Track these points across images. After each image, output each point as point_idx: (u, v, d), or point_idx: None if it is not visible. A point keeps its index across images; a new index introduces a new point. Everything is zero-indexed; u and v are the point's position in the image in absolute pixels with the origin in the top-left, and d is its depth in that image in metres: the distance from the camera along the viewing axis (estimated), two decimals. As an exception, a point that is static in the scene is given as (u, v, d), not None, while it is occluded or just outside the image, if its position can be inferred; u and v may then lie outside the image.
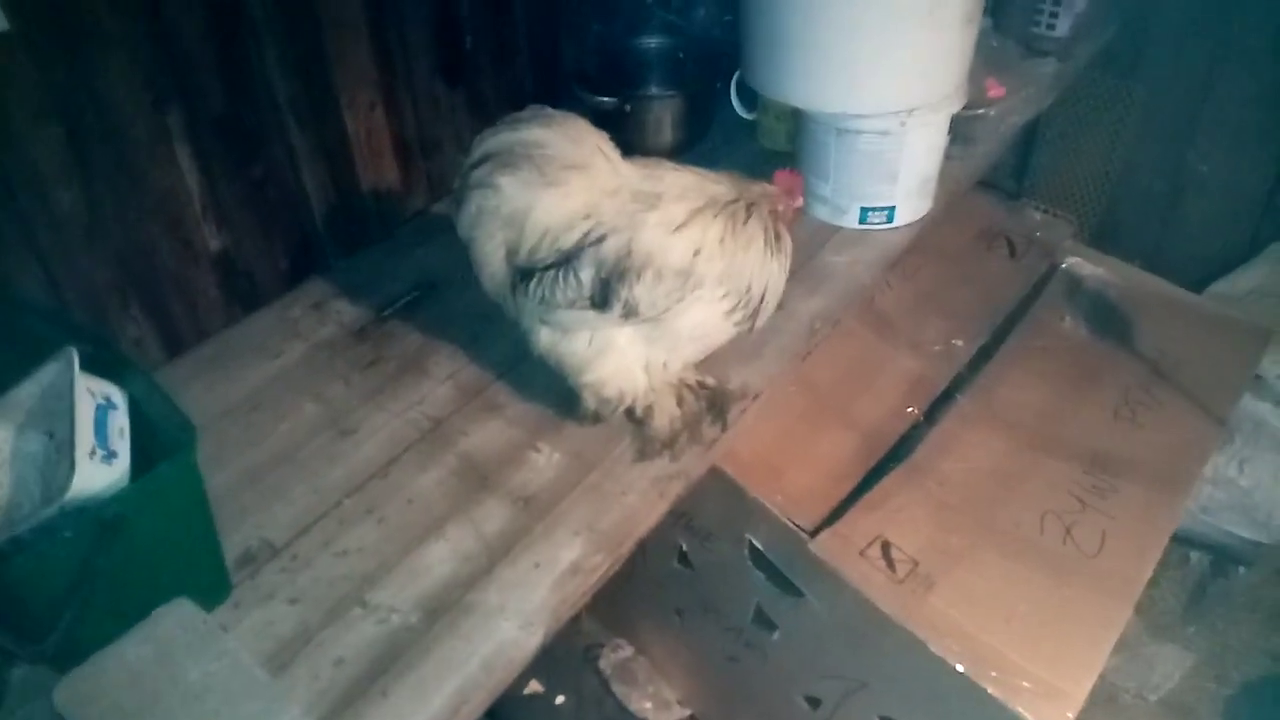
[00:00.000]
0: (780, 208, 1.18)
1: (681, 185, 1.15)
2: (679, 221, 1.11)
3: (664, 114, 1.70)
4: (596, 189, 1.14)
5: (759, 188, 1.18)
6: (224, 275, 1.42)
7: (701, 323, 1.15)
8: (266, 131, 1.40)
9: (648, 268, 1.09)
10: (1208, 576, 2.12)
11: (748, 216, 1.14)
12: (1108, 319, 1.83)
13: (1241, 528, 1.99)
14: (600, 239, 1.11)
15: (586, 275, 1.11)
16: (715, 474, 1.40)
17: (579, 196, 1.13)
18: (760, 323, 1.19)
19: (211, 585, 1.04)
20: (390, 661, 1.00)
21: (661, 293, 1.10)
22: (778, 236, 1.17)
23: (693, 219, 1.12)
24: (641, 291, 1.10)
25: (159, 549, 0.95)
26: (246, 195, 1.41)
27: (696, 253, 1.11)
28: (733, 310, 1.15)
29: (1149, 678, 1.96)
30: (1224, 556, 2.09)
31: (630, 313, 1.11)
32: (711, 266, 1.12)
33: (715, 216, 1.13)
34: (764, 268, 1.15)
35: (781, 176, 1.20)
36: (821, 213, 1.61)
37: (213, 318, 1.43)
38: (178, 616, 0.93)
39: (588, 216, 1.12)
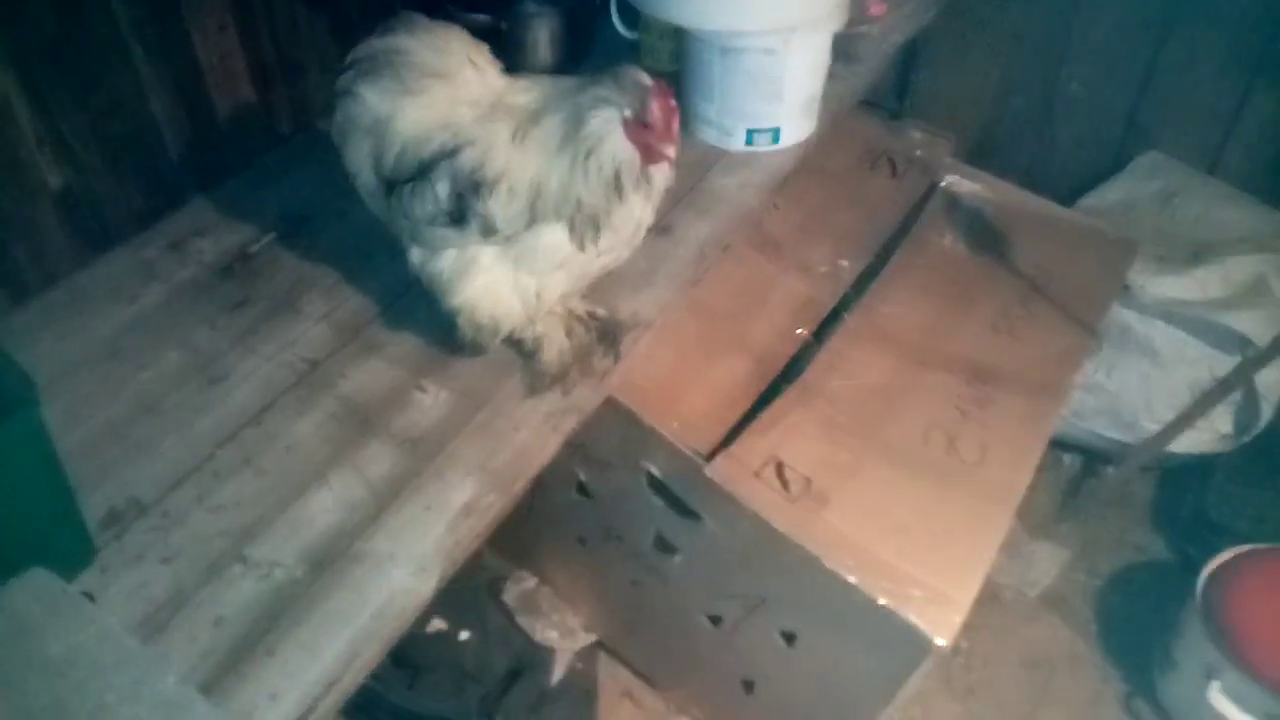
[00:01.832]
0: (628, 115, 1.04)
1: (545, 96, 1.08)
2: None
3: (541, 32, 1.63)
4: (459, 99, 1.08)
5: (626, 97, 1.04)
6: (69, 214, 1.31)
7: (557, 245, 1.09)
8: (107, 57, 1.28)
9: (501, 181, 1.05)
10: (1080, 477, 2.24)
11: (579, 123, 1.03)
12: (985, 236, 1.87)
13: (1110, 430, 2.10)
14: (455, 150, 1.05)
15: (442, 189, 1.06)
16: (610, 404, 1.38)
17: (439, 106, 1.08)
18: (592, 245, 1.09)
19: (71, 550, 0.97)
20: (276, 618, 0.96)
21: (516, 209, 1.05)
22: (576, 132, 1.04)
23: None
24: (495, 207, 1.05)
25: (6, 516, 0.87)
26: (88, 127, 1.29)
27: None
28: (571, 229, 1.08)
29: (1028, 574, 2.07)
30: (1094, 457, 2.21)
31: (488, 229, 1.07)
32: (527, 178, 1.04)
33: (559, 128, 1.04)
34: (572, 175, 1.05)
35: (656, 89, 1.04)
36: (708, 135, 1.58)
37: (60, 261, 1.32)
38: (33, 588, 0.86)
39: (446, 126, 1.07)
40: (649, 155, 1.05)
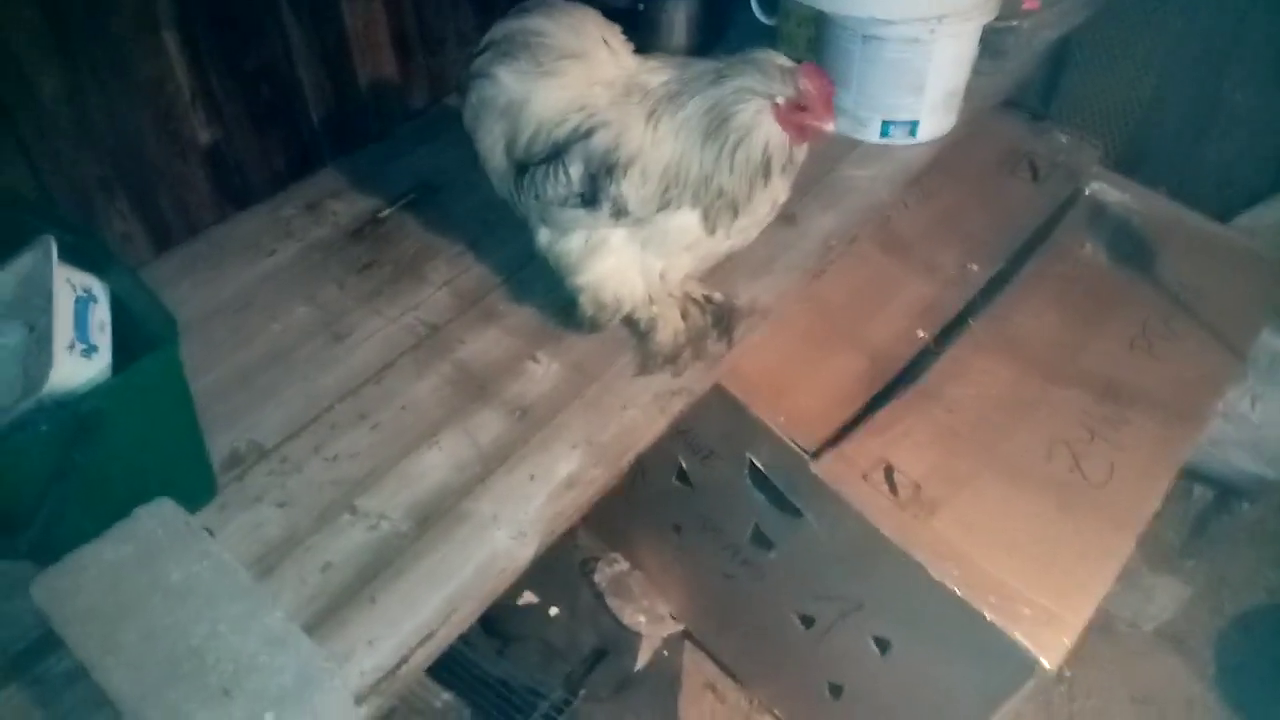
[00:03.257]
0: (781, 101, 1.03)
1: (682, 79, 1.07)
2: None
3: (678, 14, 1.62)
4: (594, 80, 1.08)
5: (774, 85, 1.03)
6: (215, 170, 1.37)
7: (688, 228, 1.08)
8: (260, 22, 1.34)
9: (634, 163, 1.04)
10: (1210, 511, 2.10)
11: (725, 116, 1.02)
12: (1130, 247, 1.78)
13: (1249, 463, 1.97)
14: (589, 132, 1.05)
15: (575, 170, 1.06)
16: (718, 391, 1.37)
17: (575, 88, 1.08)
18: (724, 229, 1.09)
19: (196, 486, 1.02)
20: (380, 568, 0.98)
21: (649, 192, 1.04)
22: (724, 125, 1.03)
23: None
24: (629, 189, 1.04)
25: (140, 447, 0.92)
26: (239, 88, 1.35)
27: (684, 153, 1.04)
28: (705, 215, 1.07)
29: (1145, 608, 1.96)
30: (1228, 491, 2.07)
31: (619, 211, 1.06)
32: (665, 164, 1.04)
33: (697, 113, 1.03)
34: (716, 166, 1.04)
35: (806, 70, 1.04)
36: (842, 125, 1.54)
37: (203, 214, 1.38)
38: (160, 516, 0.90)
39: (581, 108, 1.07)
40: (803, 135, 1.05)
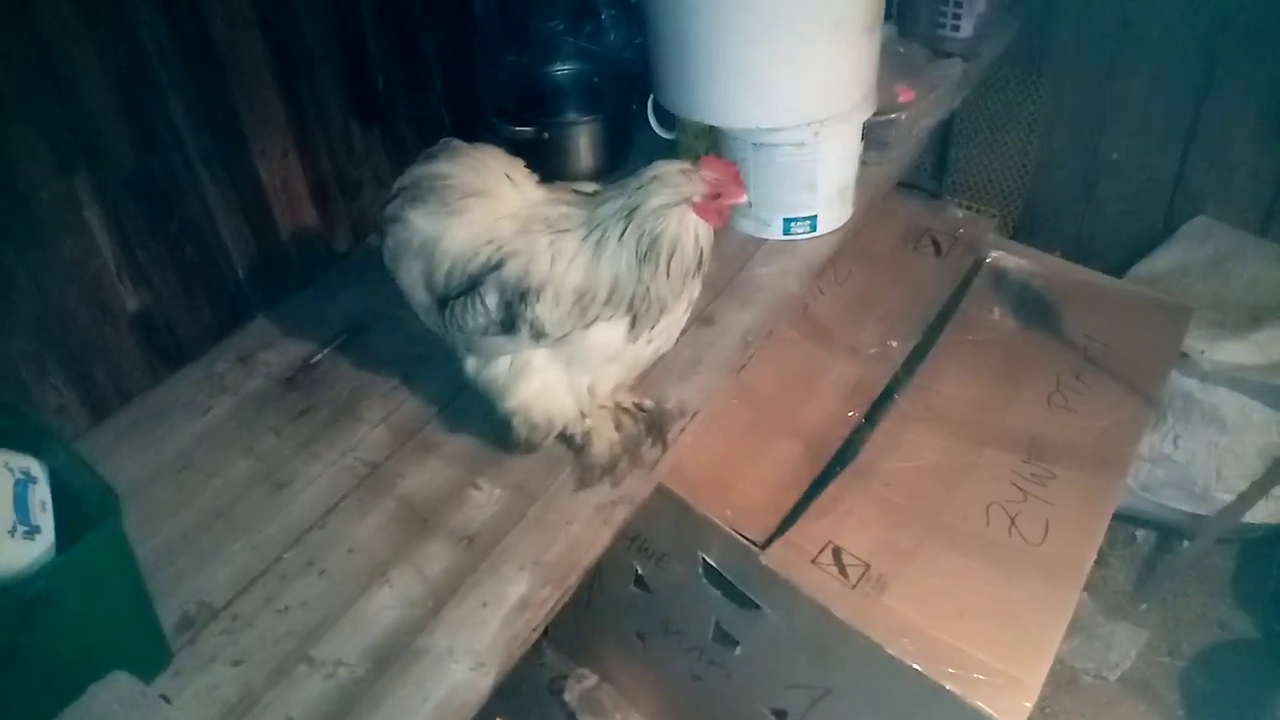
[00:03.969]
0: (698, 199, 1.10)
1: (584, 203, 1.14)
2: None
3: (582, 139, 1.71)
4: (499, 214, 1.14)
5: (685, 189, 1.09)
6: (145, 335, 1.39)
7: (608, 341, 1.13)
8: (179, 187, 1.38)
9: (546, 287, 1.09)
10: (1155, 553, 2.16)
11: (624, 227, 1.08)
12: (1035, 309, 1.87)
13: (1182, 502, 2.04)
14: (500, 263, 1.11)
15: (491, 300, 1.11)
16: (663, 493, 1.40)
17: (482, 223, 1.14)
18: (646, 333, 1.14)
19: (149, 654, 1.01)
20: (341, 716, 0.98)
21: (563, 312, 1.10)
22: (657, 240, 1.08)
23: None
24: (544, 311, 1.10)
25: (90, 622, 0.92)
26: (163, 253, 1.38)
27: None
28: (629, 326, 1.12)
29: (1106, 657, 1.99)
30: (1168, 531, 2.14)
31: (539, 334, 1.11)
32: (586, 281, 1.10)
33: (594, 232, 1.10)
34: (634, 274, 1.09)
35: (709, 163, 1.12)
36: (746, 226, 1.63)
37: (136, 379, 1.40)
38: (114, 690, 0.90)
39: (490, 241, 1.13)
40: (722, 216, 1.12)
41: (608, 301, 1.10)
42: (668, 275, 1.10)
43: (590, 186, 1.19)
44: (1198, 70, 2.12)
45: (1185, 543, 2.07)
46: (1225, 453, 1.96)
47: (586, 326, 1.11)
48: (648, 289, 1.09)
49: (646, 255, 1.08)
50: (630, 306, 1.10)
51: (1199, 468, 2.00)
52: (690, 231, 1.10)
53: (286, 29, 1.45)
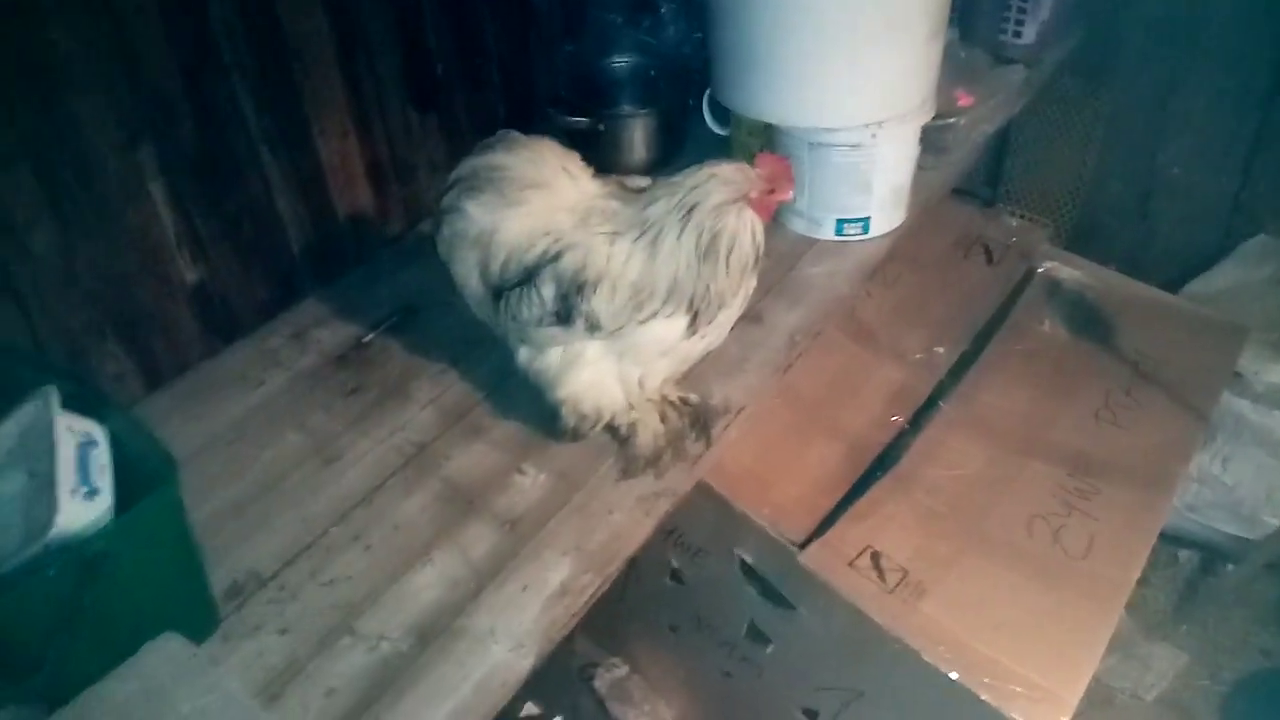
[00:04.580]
0: (754, 195, 1.12)
1: (639, 198, 1.14)
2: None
3: (637, 132, 1.71)
4: (556, 206, 1.15)
5: (742, 186, 1.11)
6: (202, 308, 1.42)
7: (663, 337, 1.14)
8: (240, 164, 1.40)
9: (603, 281, 1.10)
10: (1198, 575, 2.13)
11: (683, 226, 1.09)
12: (1087, 321, 1.85)
13: (1228, 524, 2.00)
14: (557, 255, 1.12)
15: (548, 291, 1.12)
16: (702, 489, 1.40)
17: (539, 215, 1.15)
18: (704, 328, 1.14)
19: (199, 618, 1.03)
20: (382, 689, 0.99)
21: (619, 305, 1.10)
22: (717, 237, 1.09)
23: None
24: (600, 304, 1.10)
25: (145, 584, 0.94)
26: (222, 228, 1.41)
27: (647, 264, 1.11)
28: (689, 322, 1.13)
29: (1144, 678, 1.96)
30: (1213, 554, 2.10)
31: (594, 326, 1.12)
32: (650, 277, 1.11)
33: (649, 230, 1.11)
34: (693, 271, 1.10)
35: (763, 160, 1.14)
36: (798, 226, 1.62)
37: (192, 350, 1.42)
38: (166, 651, 0.92)
39: (547, 233, 1.13)
40: (770, 210, 1.15)
41: (667, 298, 1.10)
42: (727, 272, 1.10)
43: (642, 181, 1.19)
44: (1265, 84, 2.08)
45: (1230, 566, 2.03)
46: (1275, 475, 1.93)
47: (643, 321, 1.12)
48: (708, 286, 1.10)
49: (707, 252, 1.09)
50: (690, 304, 1.11)
51: (1247, 490, 1.96)
52: (748, 228, 1.11)
53: (350, 13, 1.47)
